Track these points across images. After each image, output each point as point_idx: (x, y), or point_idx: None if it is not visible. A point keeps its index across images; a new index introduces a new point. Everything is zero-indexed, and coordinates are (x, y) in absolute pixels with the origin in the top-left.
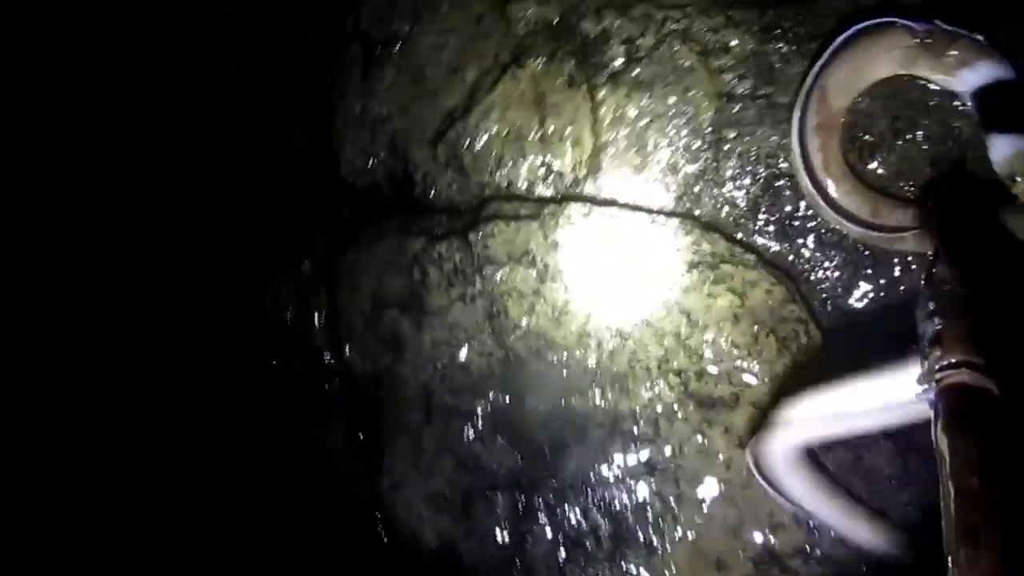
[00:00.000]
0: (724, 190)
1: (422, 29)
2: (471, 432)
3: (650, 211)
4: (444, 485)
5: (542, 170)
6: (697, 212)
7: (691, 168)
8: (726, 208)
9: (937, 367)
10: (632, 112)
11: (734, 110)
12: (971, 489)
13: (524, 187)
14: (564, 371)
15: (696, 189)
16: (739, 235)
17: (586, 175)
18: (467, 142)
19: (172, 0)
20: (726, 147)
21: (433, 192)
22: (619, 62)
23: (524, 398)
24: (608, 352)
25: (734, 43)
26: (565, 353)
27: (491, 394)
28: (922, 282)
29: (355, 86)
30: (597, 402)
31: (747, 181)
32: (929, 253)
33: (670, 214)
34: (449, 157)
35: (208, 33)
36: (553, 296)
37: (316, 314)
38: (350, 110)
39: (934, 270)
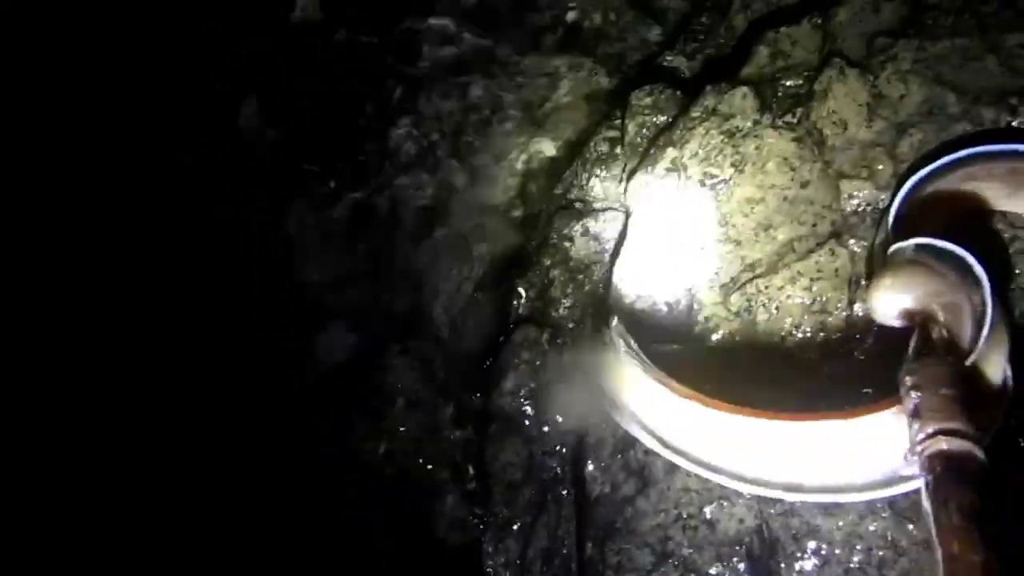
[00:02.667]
0: None
1: (741, 179)
2: None
3: None
4: None
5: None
6: None
7: None
8: None
9: (917, 440)
10: None
11: None
12: (953, 554)
13: None
14: None
15: None
16: None
17: None
18: (765, 301)
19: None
20: None
21: (714, 336)
22: None
23: None
24: None
25: None
26: None
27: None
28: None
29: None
30: None
31: None
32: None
33: None
34: (740, 309)
35: None
36: None
37: None
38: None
39: (913, 346)
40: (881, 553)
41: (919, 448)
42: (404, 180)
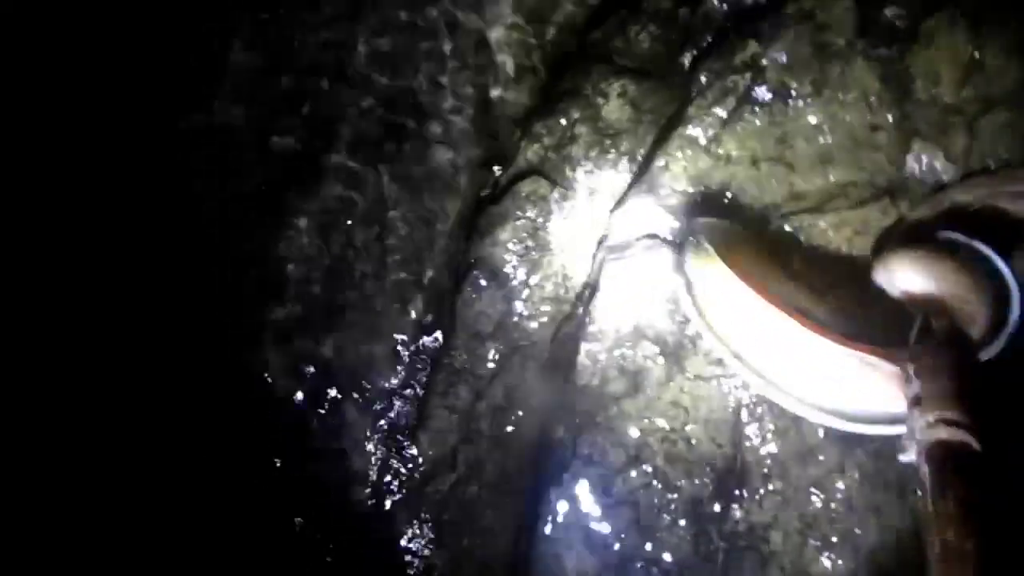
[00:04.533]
0: None
1: (817, 101)
2: None
3: None
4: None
5: None
6: None
7: None
8: None
9: (917, 427)
10: None
11: None
12: (947, 541)
13: None
14: None
15: None
16: None
17: None
18: (804, 238)
19: None
20: None
21: None
22: None
23: None
24: None
25: None
26: None
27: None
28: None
29: None
30: None
31: None
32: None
33: None
34: (775, 237)
35: None
36: None
37: None
38: None
39: (917, 333)
40: (841, 511)
41: (919, 436)
42: None
